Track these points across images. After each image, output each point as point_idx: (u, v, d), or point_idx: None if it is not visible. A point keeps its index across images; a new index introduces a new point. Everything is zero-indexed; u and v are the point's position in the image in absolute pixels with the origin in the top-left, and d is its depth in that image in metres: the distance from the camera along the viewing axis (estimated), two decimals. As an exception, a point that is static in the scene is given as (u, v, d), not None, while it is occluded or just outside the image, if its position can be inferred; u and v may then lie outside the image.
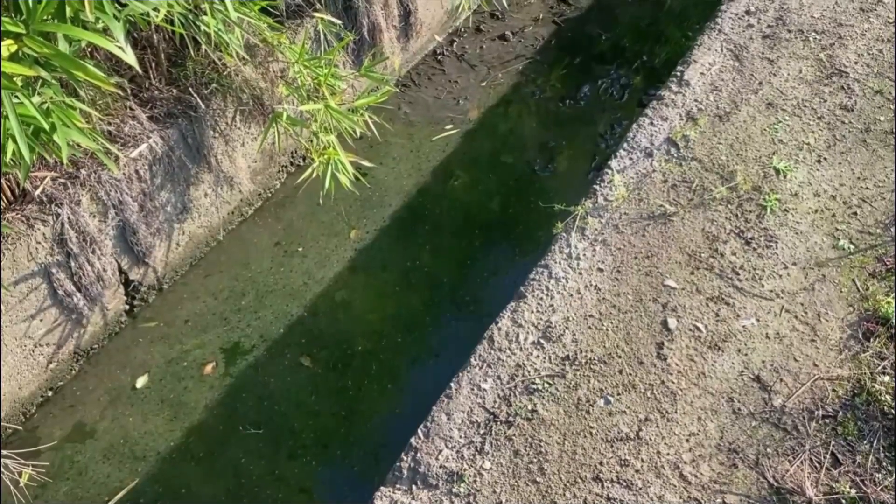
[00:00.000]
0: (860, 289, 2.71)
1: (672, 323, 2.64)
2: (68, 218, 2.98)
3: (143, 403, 3.28)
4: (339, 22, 3.71)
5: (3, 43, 1.76)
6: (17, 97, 1.90)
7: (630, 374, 2.52)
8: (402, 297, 3.68)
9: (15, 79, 1.88)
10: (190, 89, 3.38)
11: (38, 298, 3.03)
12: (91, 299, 3.23)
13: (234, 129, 3.62)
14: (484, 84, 4.75)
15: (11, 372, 3.05)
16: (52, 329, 3.15)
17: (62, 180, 3.02)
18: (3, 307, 2.89)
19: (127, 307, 3.52)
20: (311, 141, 3.42)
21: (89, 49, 2.89)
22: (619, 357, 2.57)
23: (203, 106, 3.40)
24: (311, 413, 3.26)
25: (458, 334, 3.50)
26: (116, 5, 2.31)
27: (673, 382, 2.49)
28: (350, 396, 3.31)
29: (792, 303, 2.69)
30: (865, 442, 2.32)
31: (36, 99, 2.03)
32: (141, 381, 3.35)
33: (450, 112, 4.55)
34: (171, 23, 2.79)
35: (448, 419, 2.48)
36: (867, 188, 3.07)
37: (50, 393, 3.29)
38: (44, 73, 1.92)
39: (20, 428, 3.17)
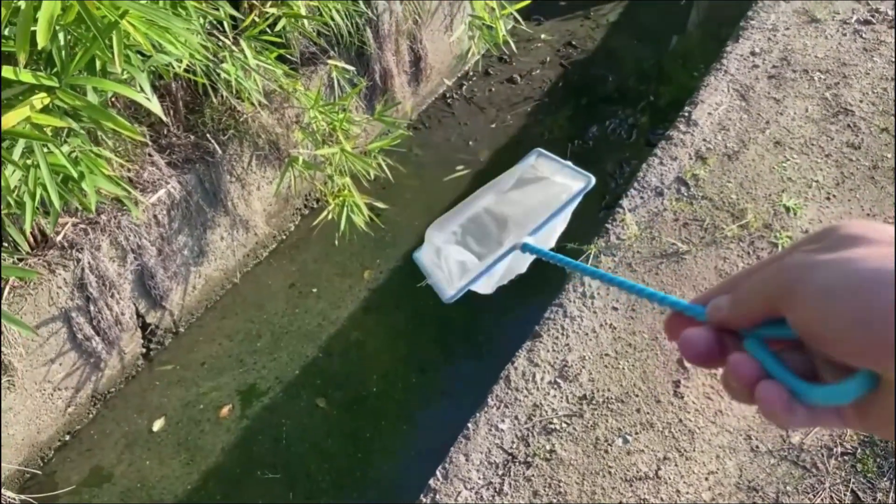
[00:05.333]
0: (874, 325, 2.72)
1: (688, 361, 2.65)
2: (88, 263, 3.03)
3: (159, 447, 3.29)
4: (352, 68, 3.80)
5: (36, 96, 1.82)
6: (47, 147, 1.95)
7: (648, 413, 2.53)
8: (416, 337, 3.70)
9: (46, 129, 1.94)
10: (207, 135, 3.46)
11: (58, 342, 3.06)
12: (109, 343, 3.27)
13: (251, 173, 3.69)
14: (493, 126, 4.83)
15: (31, 416, 3.07)
16: (71, 373, 3.18)
17: (83, 226, 3.08)
18: (23, 351, 2.92)
19: (144, 350, 3.55)
20: (326, 184, 3.48)
21: (111, 98, 2.97)
22: (637, 396, 2.58)
23: (220, 151, 3.47)
24: (327, 455, 3.26)
25: (471, 373, 3.51)
26: (140, 56, 2.38)
27: (690, 420, 2.50)
28: (366, 438, 3.32)
29: (807, 339, 2.69)
30: (885, 479, 2.31)
31: (65, 148, 2.09)
32: (157, 425, 3.36)
33: (460, 154, 4.62)
34: (192, 72, 2.88)
35: (466, 460, 2.48)
36: (877, 224, 3.09)
37: (68, 437, 3.31)
38: (73, 124, 1.98)
39: (39, 472, 3.17)
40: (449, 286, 0.89)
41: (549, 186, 0.93)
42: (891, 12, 4.15)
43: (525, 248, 0.85)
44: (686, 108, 3.76)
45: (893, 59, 3.88)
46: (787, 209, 3.17)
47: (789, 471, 2.35)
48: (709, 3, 5.41)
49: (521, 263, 0.92)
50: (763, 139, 3.51)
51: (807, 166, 3.37)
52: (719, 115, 3.66)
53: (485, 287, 0.93)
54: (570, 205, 0.88)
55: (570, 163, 0.94)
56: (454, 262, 0.92)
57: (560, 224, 0.91)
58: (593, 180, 0.88)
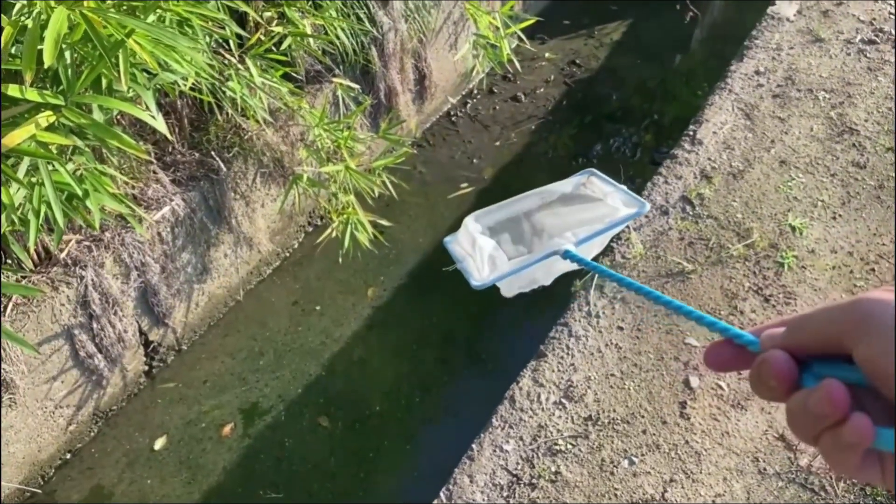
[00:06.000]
0: (882, 346, 2.70)
1: (694, 381, 2.63)
2: (92, 280, 3.02)
3: (161, 466, 3.26)
4: (357, 86, 3.81)
5: (41, 114, 1.82)
6: (52, 165, 1.95)
7: (654, 434, 2.50)
8: (420, 355, 3.68)
9: (51, 147, 1.94)
10: (212, 153, 3.46)
11: (60, 360, 3.05)
12: (111, 360, 3.25)
13: (255, 190, 3.68)
14: (497, 144, 4.83)
15: (32, 434, 3.05)
16: (73, 390, 3.16)
17: (87, 243, 3.07)
18: (25, 368, 2.90)
19: (146, 368, 3.53)
20: (330, 201, 3.48)
21: (116, 116, 2.97)
22: (643, 416, 2.56)
23: (225, 169, 3.47)
24: (329, 475, 3.23)
25: (475, 393, 3.49)
26: (146, 74, 2.39)
27: (697, 442, 2.47)
28: (368, 458, 3.29)
29: (814, 360, 2.67)
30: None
31: (69, 166, 2.09)
32: (159, 443, 3.34)
33: (464, 171, 4.62)
34: (198, 90, 2.88)
35: (471, 481, 2.45)
36: (883, 244, 3.08)
37: (68, 455, 3.28)
38: (79, 142, 1.98)
39: (39, 491, 3.15)
40: (479, 274, 0.89)
41: (597, 207, 0.93)
42: (894, 32, 4.16)
43: (567, 254, 0.84)
44: (691, 126, 3.76)
45: (898, 79, 3.88)
46: (793, 228, 3.16)
47: (797, 494, 2.32)
48: (712, 22, 5.43)
49: (549, 274, 0.91)
50: (768, 158, 3.51)
51: (812, 185, 3.36)
52: (724, 134, 3.65)
53: (508, 288, 0.92)
54: (619, 226, 0.87)
55: (624, 186, 0.93)
56: (487, 255, 0.92)
57: (599, 244, 0.90)
58: (647, 206, 0.88)
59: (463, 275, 0.90)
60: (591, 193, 0.97)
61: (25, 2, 1.76)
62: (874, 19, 4.28)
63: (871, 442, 0.39)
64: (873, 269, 2.97)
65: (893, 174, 3.37)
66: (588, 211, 0.94)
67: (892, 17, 4.29)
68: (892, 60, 4.00)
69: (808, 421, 0.43)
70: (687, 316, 0.58)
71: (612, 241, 3.24)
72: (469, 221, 0.97)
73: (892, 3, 4.38)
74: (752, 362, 0.48)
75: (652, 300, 0.64)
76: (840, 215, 3.21)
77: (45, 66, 1.68)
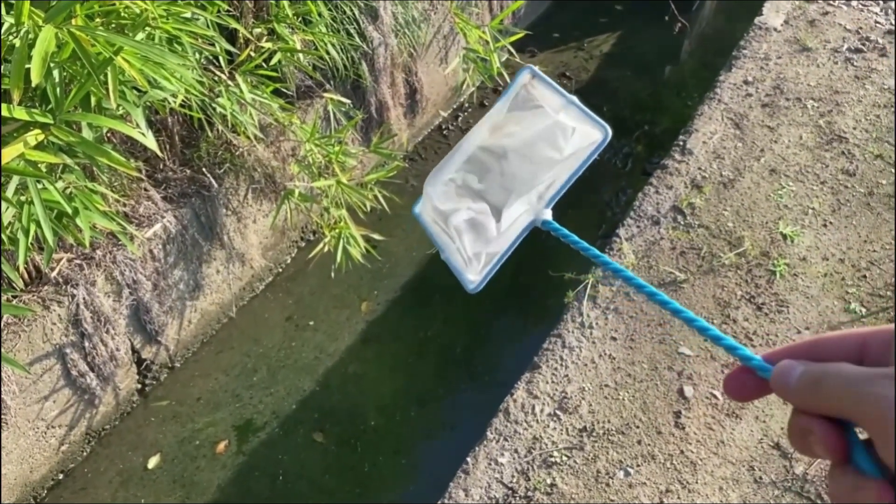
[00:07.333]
0: (875, 352, 2.70)
1: (688, 391, 2.63)
2: (83, 298, 3.01)
3: (155, 484, 3.24)
4: (348, 101, 3.82)
5: (30, 133, 1.82)
6: (41, 183, 1.95)
7: (649, 445, 2.50)
8: (415, 369, 3.67)
9: (40, 166, 1.93)
10: (203, 169, 3.46)
11: (52, 379, 3.03)
12: (104, 379, 3.23)
13: (247, 206, 3.68)
14: (489, 156, 4.84)
15: (24, 455, 3.02)
16: (65, 410, 3.14)
17: (78, 261, 3.06)
18: (17, 388, 2.89)
19: (139, 386, 3.51)
20: (323, 216, 3.47)
21: (107, 134, 2.97)
22: (637, 427, 2.55)
23: (216, 185, 3.47)
24: (325, 491, 3.21)
25: (472, 405, 3.48)
26: (136, 92, 2.39)
27: (692, 452, 2.47)
28: (364, 473, 3.27)
29: (807, 368, 2.67)
30: (892, 509, 2.28)
31: (59, 184, 2.08)
32: (153, 462, 3.31)
33: (456, 184, 4.62)
34: (188, 107, 2.88)
35: (466, 495, 2.44)
36: (874, 251, 3.09)
37: (61, 476, 3.26)
38: (68, 160, 1.98)
39: (31, 512, 3.12)
40: (468, 270, 0.82)
41: (548, 117, 0.85)
42: (881, 41, 4.19)
43: (546, 224, 0.79)
44: (681, 137, 3.78)
45: (886, 87, 3.91)
46: (784, 236, 3.17)
47: (793, 502, 2.32)
48: (701, 33, 5.47)
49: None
50: (758, 167, 3.52)
51: (802, 193, 3.38)
52: (714, 144, 3.67)
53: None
54: (585, 164, 0.80)
55: (575, 98, 0.85)
56: (463, 225, 0.84)
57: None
58: (610, 132, 0.81)
59: (453, 273, 0.84)
60: (540, 101, 0.89)
61: (13, 21, 1.76)
62: (860, 28, 4.32)
63: None
64: (864, 276, 2.98)
65: (884, 181, 3.38)
66: (541, 120, 0.86)
67: (879, 26, 4.33)
68: (879, 69, 4.03)
69: (817, 454, 0.43)
70: (686, 321, 0.55)
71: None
72: (428, 188, 0.89)
73: (893, 13, 4.41)
74: (768, 390, 0.46)
75: (646, 294, 0.60)
76: (831, 223, 3.22)
77: (34, 85, 1.68)
